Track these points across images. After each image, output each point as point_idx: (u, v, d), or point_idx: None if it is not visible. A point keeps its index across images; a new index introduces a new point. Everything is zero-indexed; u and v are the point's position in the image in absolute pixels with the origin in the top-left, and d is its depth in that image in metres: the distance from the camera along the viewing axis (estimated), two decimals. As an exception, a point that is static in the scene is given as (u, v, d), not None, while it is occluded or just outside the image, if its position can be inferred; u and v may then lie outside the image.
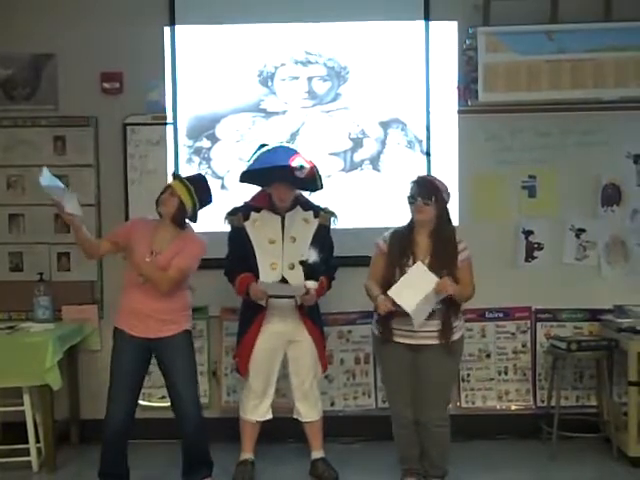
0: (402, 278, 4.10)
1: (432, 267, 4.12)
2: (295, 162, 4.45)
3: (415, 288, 4.05)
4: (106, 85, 5.34)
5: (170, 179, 4.57)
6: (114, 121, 5.33)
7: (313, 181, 4.57)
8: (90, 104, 5.33)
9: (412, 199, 4.20)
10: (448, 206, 4.29)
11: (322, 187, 4.67)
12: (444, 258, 4.17)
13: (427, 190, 4.21)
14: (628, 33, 5.10)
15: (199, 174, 4.67)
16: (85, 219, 5.27)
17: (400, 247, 4.22)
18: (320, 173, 4.60)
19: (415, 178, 4.34)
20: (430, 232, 4.23)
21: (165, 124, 5.35)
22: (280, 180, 4.47)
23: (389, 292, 4.09)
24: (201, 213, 4.45)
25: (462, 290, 4.17)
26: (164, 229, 4.35)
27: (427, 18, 5.29)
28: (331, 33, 5.32)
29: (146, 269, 4.25)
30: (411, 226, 4.28)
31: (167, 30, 5.31)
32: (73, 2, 5.31)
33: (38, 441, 4.85)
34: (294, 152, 4.55)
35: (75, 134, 5.36)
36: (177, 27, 5.30)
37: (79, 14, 5.29)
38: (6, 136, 5.36)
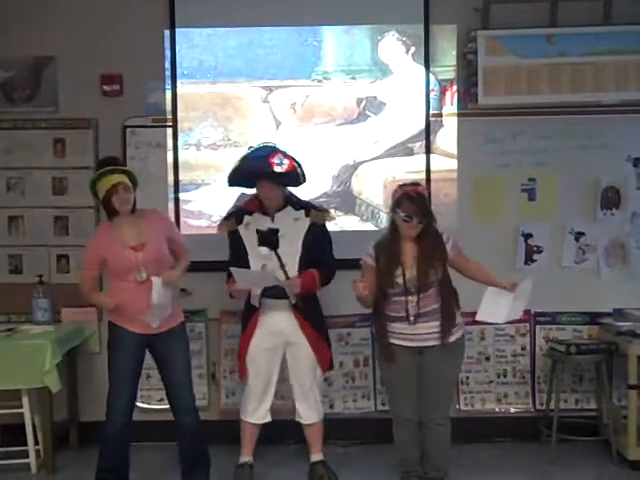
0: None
1: (421, 268, 4.16)
2: (275, 158, 4.46)
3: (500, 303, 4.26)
4: (106, 87, 5.35)
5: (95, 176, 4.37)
6: (114, 123, 5.33)
7: (295, 176, 4.55)
8: (90, 106, 5.33)
9: (408, 218, 4.18)
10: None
11: (305, 181, 4.64)
12: (434, 259, 4.19)
13: (423, 209, 4.21)
14: (628, 37, 5.10)
15: (109, 157, 4.51)
16: (85, 221, 5.33)
17: (388, 257, 4.23)
18: (302, 168, 4.58)
19: (408, 193, 4.24)
20: (415, 238, 4.23)
21: (165, 126, 5.35)
22: (262, 178, 4.49)
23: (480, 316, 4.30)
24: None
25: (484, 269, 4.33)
26: (123, 222, 4.29)
27: (427, 21, 5.29)
28: (330, 36, 5.32)
29: (179, 274, 4.36)
30: (394, 233, 4.27)
31: (167, 33, 5.31)
32: (73, 4, 5.32)
33: (37, 443, 4.85)
34: (273, 149, 4.56)
35: (75, 136, 5.36)
36: (177, 30, 5.30)
37: (79, 17, 5.29)
38: (6, 138, 5.36)
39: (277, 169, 4.44)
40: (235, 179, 4.62)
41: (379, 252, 4.28)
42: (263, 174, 4.47)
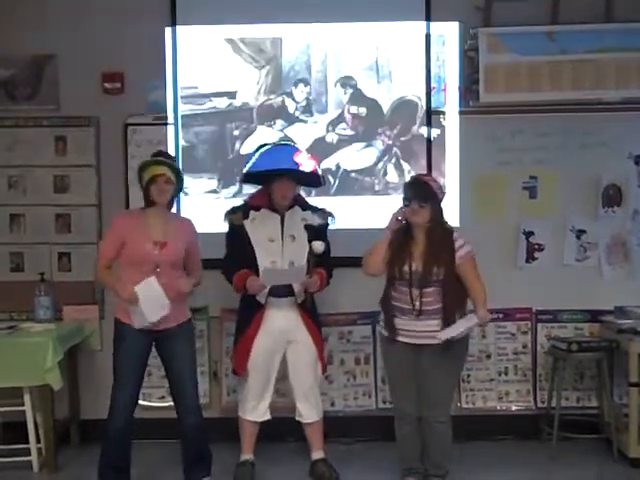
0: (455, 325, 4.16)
1: (426, 267, 4.16)
2: (299, 158, 4.47)
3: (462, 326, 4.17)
4: (107, 85, 5.35)
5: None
6: (115, 121, 5.33)
7: (316, 177, 4.59)
8: (91, 104, 5.33)
9: (407, 202, 4.21)
10: (443, 205, 4.31)
11: (324, 183, 4.74)
12: (438, 257, 4.19)
13: (422, 193, 4.21)
14: (629, 34, 5.10)
15: (165, 152, 4.63)
16: (86, 219, 5.34)
17: (398, 245, 4.24)
18: (321, 170, 4.65)
19: (410, 179, 4.37)
20: (426, 231, 4.25)
21: (166, 124, 5.35)
22: (285, 176, 4.47)
23: (441, 335, 4.13)
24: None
25: (483, 302, 4.23)
26: (154, 215, 4.33)
27: (428, 19, 5.29)
28: (332, 34, 5.32)
29: (192, 283, 4.39)
30: (407, 226, 4.28)
31: (168, 30, 5.31)
32: (74, 2, 5.31)
33: (39, 441, 4.85)
34: (296, 149, 4.59)
35: (76, 134, 5.36)
36: (178, 27, 5.30)
37: (80, 14, 5.29)
38: (7, 136, 5.35)
39: (303, 169, 4.45)
40: (253, 177, 4.60)
41: (394, 235, 4.29)
42: (288, 172, 4.46)
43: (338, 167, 5.36)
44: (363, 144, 5.36)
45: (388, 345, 4.35)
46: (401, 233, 4.29)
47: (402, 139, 5.35)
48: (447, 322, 4.18)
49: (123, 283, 4.23)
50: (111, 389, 4.34)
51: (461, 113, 5.35)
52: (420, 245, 4.25)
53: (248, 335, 4.56)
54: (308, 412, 4.63)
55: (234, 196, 5.26)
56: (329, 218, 4.68)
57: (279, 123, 5.34)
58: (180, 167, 4.51)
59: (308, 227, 4.53)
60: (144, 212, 4.36)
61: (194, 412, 4.41)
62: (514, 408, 5.43)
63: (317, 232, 4.53)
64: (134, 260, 4.27)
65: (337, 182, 5.35)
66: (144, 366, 4.38)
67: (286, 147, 4.61)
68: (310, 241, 4.47)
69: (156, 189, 4.28)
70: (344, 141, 5.36)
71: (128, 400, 4.31)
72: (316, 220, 4.56)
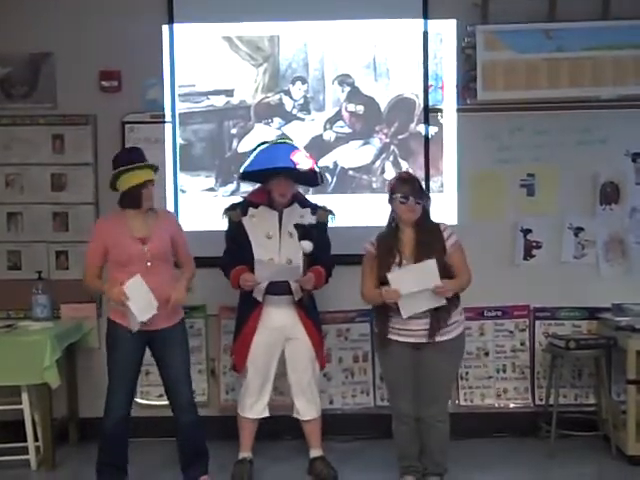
0: (407, 266, 4.13)
1: (419, 258, 4.17)
2: (296, 157, 4.47)
3: (416, 280, 4.09)
4: (104, 83, 5.34)
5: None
6: (113, 119, 5.33)
7: (314, 176, 4.60)
8: (88, 102, 5.32)
9: (404, 199, 4.21)
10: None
11: (322, 182, 4.74)
12: (430, 248, 4.20)
13: (418, 190, 4.26)
14: (627, 31, 5.10)
15: (136, 148, 4.51)
16: (84, 217, 5.33)
17: (386, 247, 4.25)
18: (319, 169, 4.64)
19: (401, 176, 4.37)
20: (413, 227, 4.25)
21: (163, 122, 5.35)
22: (282, 174, 4.48)
23: (389, 275, 4.11)
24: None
25: (460, 282, 4.22)
26: (135, 215, 4.32)
27: (426, 16, 5.29)
28: (329, 31, 5.32)
29: (185, 287, 4.38)
30: (393, 225, 4.30)
31: (165, 28, 5.31)
32: (72, 0, 5.31)
33: (37, 439, 4.85)
34: (294, 148, 4.59)
35: (73, 132, 5.36)
36: (175, 25, 5.30)
37: (77, 12, 5.29)
38: (4, 134, 5.35)
39: (300, 167, 4.45)
40: (251, 175, 4.61)
41: (380, 241, 4.31)
42: (284, 171, 4.46)
43: (335, 165, 5.38)
44: (361, 142, 5.39)
45: (385, 346, 4.33)
46: (388, 236, 4.29)
47: (400, 137, 5.37)
48: (438, 318, 4.18)
49: (111, 283, 4.24)
50: (107, 389, 4.34)
51: (459, 111, 5.35)
52: (409, 242, 4.25)
53: (247, 332, 4.57)
54: (305, 409, 4.63)
55: (231, 194, 5.28)
56: (329, 216, 4.69)
57: (276, 121, 5.35)
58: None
59: (298, 226, 4.53)
60: (123, 213, 4.34)
61: (189, 410, 4.41)
62: (512, 405, 5.43)
63: (307, 231, 4.52)
64: (122, 261, 4.26)
65: (334, 180, 5.37)
66: (138, 366, 4.38)
67: (284, 145, 4.62)
68: (300, 240, 4.48)
69: (147, 194, 4.28)
70: (341, 139, 5.38)
71: (123, 401, 4.31)
72: (307, 219, 4.56)
